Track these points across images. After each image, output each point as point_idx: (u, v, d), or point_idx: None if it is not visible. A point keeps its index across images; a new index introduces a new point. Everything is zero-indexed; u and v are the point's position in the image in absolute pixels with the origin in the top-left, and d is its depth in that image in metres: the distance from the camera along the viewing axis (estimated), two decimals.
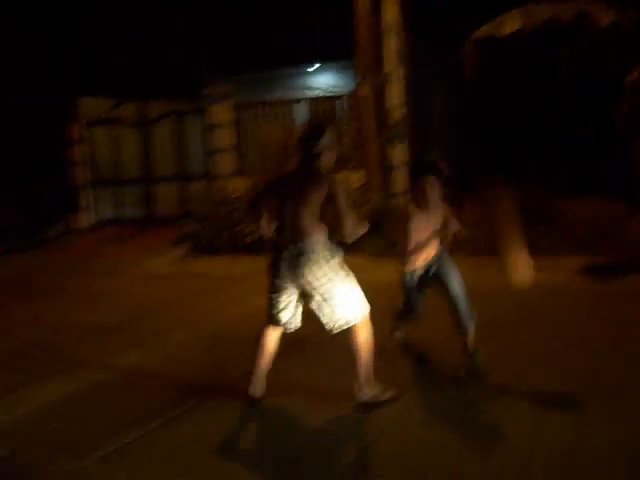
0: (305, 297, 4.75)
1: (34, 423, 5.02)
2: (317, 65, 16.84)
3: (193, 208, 12.89)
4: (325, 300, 4.62)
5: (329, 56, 15.24)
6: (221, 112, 14.22)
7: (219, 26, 14.42)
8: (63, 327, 7.80)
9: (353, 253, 10.81)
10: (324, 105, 13.67)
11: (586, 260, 9.27)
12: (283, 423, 4.77)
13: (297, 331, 5.01)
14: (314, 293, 4.62)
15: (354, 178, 12.14)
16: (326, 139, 4.66)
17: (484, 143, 13.66)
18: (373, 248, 10.73)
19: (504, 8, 10.33)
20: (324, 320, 4.70)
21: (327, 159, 4.68)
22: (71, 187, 16.34)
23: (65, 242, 14.95)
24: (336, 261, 4.65)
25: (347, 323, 4.67)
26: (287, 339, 5.08)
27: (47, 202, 15.44)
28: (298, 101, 14.41)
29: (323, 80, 17.06)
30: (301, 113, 14.08)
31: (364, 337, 4.72)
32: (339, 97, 14.17)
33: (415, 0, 12.47)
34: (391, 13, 12.15)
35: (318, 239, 4.58)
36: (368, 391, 4.77)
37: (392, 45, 12.13)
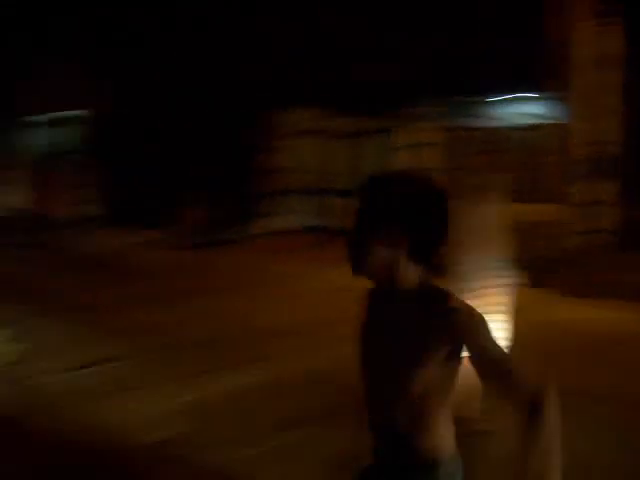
0: None
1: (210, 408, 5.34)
2: (522, 93, 16.55)
3: None
4: None
5: (536, 85, 14.97)
6: (429, 131, 14.33)
7: (425, 46, 14.49)
8: (239, 328, 8.15)
9: (544, 288, 10.60)
10: (528, 135, 13.39)
11: None
12: None
13: None
14: None
15: (553, 211, 11.83)
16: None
17: None
18: (568, 286, 10.36)
19: None
20: None
21: None
22: (273, 192, 16.97)
23: (254, 245, 15.41)
24: None
25: None
26: None
27: (246, 205, 16.26)
28: (502, 129, 14.21)
29: (531, 109, 16.73)
30: (505, 140, 13.87)
31: None
32: (545, 128, 13.80)
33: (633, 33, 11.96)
34: (612, 45, 11.73)
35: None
36: None
37: (611, 78, 11.71)
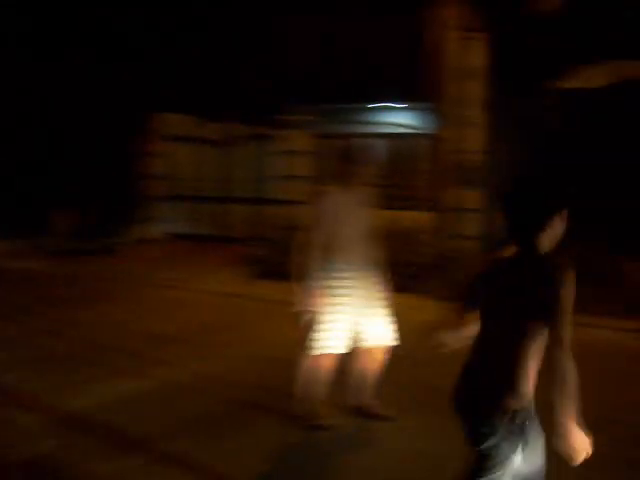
0: None
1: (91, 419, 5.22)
2: (397, 103, 16.99)
3: (264, 231, 13.07)
4: None
5: (411, 95, 15.37)
6: (300, 139, 14.41)
7: (300, 54, 14.61)
8: (122, 335, 8.02)
9: (414, 293, 10.92)
10: (402, 143, 13.71)
11: None
12: None
13: None
14: None
15: (424, 218, 12.16)
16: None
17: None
18: (436, 290, 10.72)
19: (589, 60, 10.22)
20: None
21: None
22: (145, 199, 16.74)
23: (134, 252, 15.27)
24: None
25: None
26: None
27: (121, 211, 15.91)
28: (376, 137, 14.48)
29: (403, 118, 17.17)
30: (378, 149, 14.14)
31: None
32: (417, 137, 14.20)
33: (502, 46, 12.49)
34: (476, 57, 12.21)
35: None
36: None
37: (474, 89, 12.18)
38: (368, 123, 15.52)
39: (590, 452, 2.68)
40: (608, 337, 8.72)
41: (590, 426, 2.74)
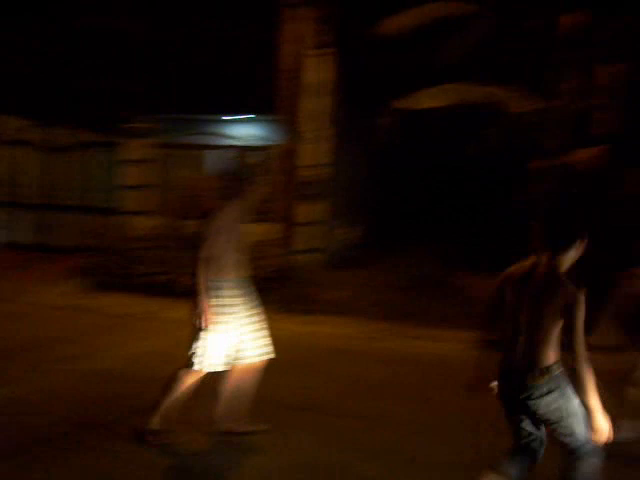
0: None
1: None
2: (238, 115, 17.01)
3: (92, 241, 12.66)
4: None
5: (252, 108, 15.44)
6: (136, 148, 14.10)
7: (141, 63, 14.38)
8: None
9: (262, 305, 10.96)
10: (243, 155, 13.72)
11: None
12: None
13: None
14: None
15: (261, 230, 12.23)
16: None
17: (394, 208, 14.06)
18: (272, 304, 10.83)
19: (426, 83, 10.71)
20: None
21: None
22: None
23: None
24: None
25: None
26: None
27: None
28: (216, 148, 14.43)
29: (245, 131, 17.21)
30: (217, 160, 14.09)
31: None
32: (259, 149, 14.29)
33: (344, 63, 12.83)
34: (316, 73, 12.47)
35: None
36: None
37: (315, 105, 12.42)
38: (216, 134, 15.43)
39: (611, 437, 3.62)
40: (443, 348, 9.15)
41: None
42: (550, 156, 10.81)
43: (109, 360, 7.45)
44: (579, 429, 3.64)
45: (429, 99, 10.44)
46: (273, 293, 11.06)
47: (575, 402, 3.63)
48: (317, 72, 12.39)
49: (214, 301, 4.99)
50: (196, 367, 5.02)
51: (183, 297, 11.20)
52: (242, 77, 13.78)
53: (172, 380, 5.07)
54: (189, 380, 5.08)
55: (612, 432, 3.62)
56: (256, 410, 5.45)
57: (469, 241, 12.35)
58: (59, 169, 15.40)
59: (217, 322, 4.99)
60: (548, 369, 3.60)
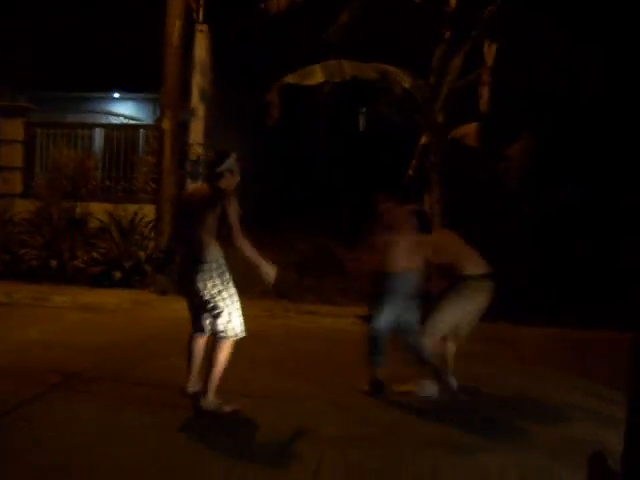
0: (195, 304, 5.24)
1: None
2: (120, 93, 16.56)
3: None
4: (210, 310, 5.12)
5: (133, 86, 15.05)
6: (12, 128, 13.41)
7: (18, 38, 13.78)
8: None
9: (138, 289, 10.72)
10: (125, 133, 13.29)
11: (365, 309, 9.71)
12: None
13: None
14: (203, 302, 5.10)
15: (147, 211, 11.94)
16: (229, 163, 5.26)
17: (277, 187, 14.04)
18: (159, 285, 10.61)
19: (312, 60, 10.62)
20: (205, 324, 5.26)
21: (227, 181, 5.24)
22: None
23: None
24: (227, 276, 5.12)
25: (224, 333, 5.11)
26: None
27: None
28: (97, 126, 13.93)
29: (126, 108, 16.77)
30: (99, 139, 13.62)
31: (227, 354, 5.15)
32: (141, 127, 13.88)
33: (226, 41, 12.61)
34: (201, 51, 12.22)
35: (212, 252, 5.06)
36: (213, 401, 5.18)
37: (198, 82, 12.17)
38: (91, 112, 14.95)
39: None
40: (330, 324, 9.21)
41: None
42: (439, 130, 10.95)
43: None
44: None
45: (319, 75, 10.32)
46: (151, 275, 10.87)
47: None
48: (191, 47, 12.15)
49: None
50: (240, 334, 5.17)
51: (67, 282, 10.95)
52: (126, 53, 13.42)
53: (218, 353, 5.13)
54: (230, 348, 5.18)
55: None
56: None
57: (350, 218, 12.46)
58: None
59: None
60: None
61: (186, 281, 5.20)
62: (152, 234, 11.73)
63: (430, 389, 5.95)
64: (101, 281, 11.00)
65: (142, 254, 11.12)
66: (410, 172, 11.48)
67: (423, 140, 11.36)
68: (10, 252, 11.45)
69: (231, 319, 5.12)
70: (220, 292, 5.07)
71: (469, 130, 11.02)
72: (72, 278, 11.11)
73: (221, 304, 5.08)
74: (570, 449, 4.76)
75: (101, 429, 4.88)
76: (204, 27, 12.40)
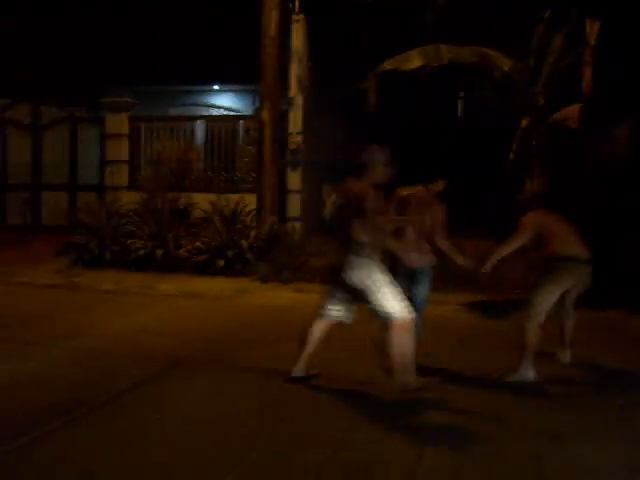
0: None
1: None
2: (219, 85, 16.84)
3: (82, 218, 12.53)
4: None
5: (232, 78, 15.27)
6: (118, 123, 13.88)
7: (123, 35, 14.20)
8: None
9: (240, 276, 10.90)
10: (225, 125, 13.56)
11: (470, 297, 9.59)
12: None
13: None
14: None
15: (248, 200, 12.13)
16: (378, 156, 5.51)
17: None
18: (261, 273, 10.76)
19: (410, 45, 10.54)
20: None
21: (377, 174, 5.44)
22: None
23: None
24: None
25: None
26: None
27: None
28: (199, 119, 14.25)
29: (225, 100, 17.05)
30: (201, 131, 13.94)
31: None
32: (241, 118, 14.12)
33: (322, 30, 12.65)
34: (298, 41, 12.31)
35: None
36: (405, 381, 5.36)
37: (296, 72, 12.28)
38: (191, 105, 15.27)
39: None
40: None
41: None
42: (540, 113, 10.71)
43: (101, 337, 7.31)
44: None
45: (416, 59, 10.25)
46: (255, 263, 11.03)
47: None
48: (298, 37, 12.25)
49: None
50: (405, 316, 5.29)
51: (172, 271, 11.26)
52: (225, 45, 13.62)
53: (394, 336, 5.27)
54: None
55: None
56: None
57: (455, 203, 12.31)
58: (45, 147, 15.17)
59: None
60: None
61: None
62: (254, 223, 11.92)
63: (526, 374, 5.92)
64: (205, 269, 11.24)
65: (244, 243, 11.29)
66: (511, 156, 11.31)
67: (524, 124, 11.14)
68: (118, 242, 11.83)
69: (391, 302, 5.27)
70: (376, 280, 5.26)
71: (571, 112, 10.73)
72: (177, 267, 11.40)
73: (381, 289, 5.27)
74: None
75: (205, 412, 5.02)
76: (300, 17, 12.50)
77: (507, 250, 6.18)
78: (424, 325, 6.18)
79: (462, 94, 10.97)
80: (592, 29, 10.19)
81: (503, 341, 6.80)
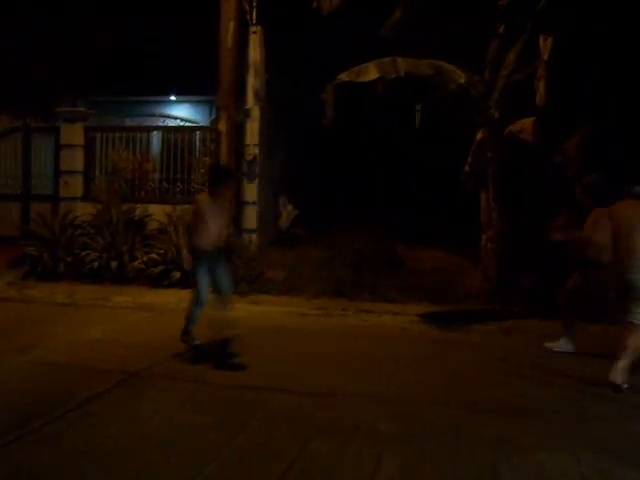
0: None
1: None
2: (176, 96, 16.78)
3: (35, 230, 12.35)
4: None
5: (189, 88, 15.23)
6: (73, 133, 13.71)
7: (79, 45, 14.09)
8: None
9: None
10: (181, 135, 13.47)
11: (425, 308, 9.65)
12: None
13: None
14: None
15: None
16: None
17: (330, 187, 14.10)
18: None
19: (367, 58, 10.59)
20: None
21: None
22: None
23: None
24: None
25: None
26: None
27: None
28: (155, 129, 14.15)
29: (181, 111, 16.96)
30: (157, 142, 13.84)
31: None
32: (197, 129, 14.05)
33: (279, 42, 12.68)
34: (255, 52, 12.32)
35: None
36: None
37: (253, 83, 12.28)
38: (148, 115, 15.14)
39: None
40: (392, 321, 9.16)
41: None
42: (494, 126, 10.83)
43: (54, 350, 7.19)
44: None
45: (373, 72, 10.30)
46: None
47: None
48: (246, 49, 12.28)
49: None
50: None
51: (127, 283, 11.14)
52: (181, 56, 13.61)
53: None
54: None
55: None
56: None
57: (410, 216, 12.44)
58: (0, 156, 14.91)
59: None
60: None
61: None
62: None
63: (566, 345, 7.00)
64: (160, 281, 11.15)
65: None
66: (466, 168, 11.43)
67: (479, 136, 11.27)
68: (72, 254, 11.69)
69: None
70: None
71: (525, 125, 10.89)
72: (132, 279, 11.30)
73: None
74: None
75: (160, 428, 4.96)
76: (258, 28, 12.50)
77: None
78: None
79: (418, 107, 11.04)
80: (545, 44, 10.35)
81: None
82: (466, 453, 4.56)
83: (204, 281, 6.77)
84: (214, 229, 6.76)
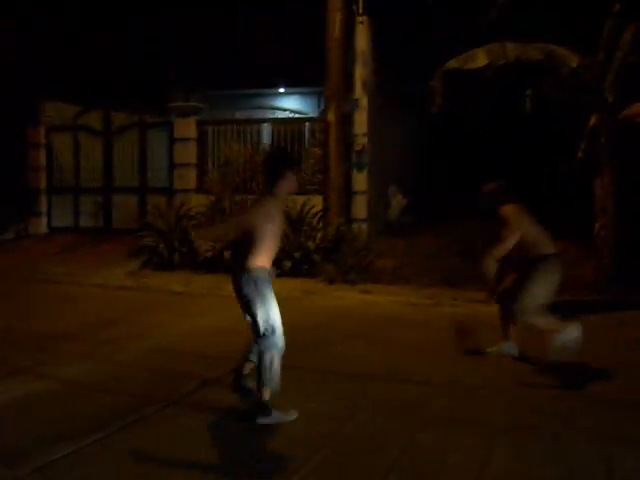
0: None
1: None
2: (285, 88, 16.99)
3: (151, 221, 12.80)
4: None
5: (298, 80, 15.39)
6: (185, 127, 14.14)
7: (189, 41, 14.46)
8: (11, 333, 7.63)
9: (307, 278, 10.96)
10: (291, 127, 13.67)
11: None
12: None
13: None
14: None
15: (315, 201, 12.21)
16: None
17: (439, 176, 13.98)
18: (327, 274, 10.81)
19: (475, 44, 10.45)
20: None
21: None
22: (29, 192, 16.09)
23: (19, 247, 14.71)
24: None
25: None
26: None
27: (5, 205, 15.22)
28: (264, 121, 14.41)
29: (290, 103, 17.19)
30: (267, 133, 14.09)
31: None
32: (306, 120, 14.22)
33: (386, 31, 12.66)
34: (362, 42, 12.35)
35: None
36: None
37: (361, 73, 12.32)
38: (258, 108, 15.44)
39: None
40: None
41: None
42: (609, 110, 10.49)
43: (172, 337, 7.48)
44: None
45: (482, 58, 10.15)
46: (321, 264, 11.08)
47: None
48: (353, 40, 12.31)
49: None
50: None
51: None
52: (290, 48, 13.75)
53: None
54: None
55: None
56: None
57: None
58: (115, 152, 15.54)
59: None
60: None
61: None
62: (320, 224, 11.99)
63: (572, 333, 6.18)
64: None
65: (311, 244, 11.36)
66: (580, 155, 11.11)
67: (592, 121, 10.94)
68: (187, 244, 12.05)
69: None
70: None
71: None
72: None
73: None
74: None
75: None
76: (364, 19, 12.53)
77: None
78: None
79: (529, 92, 10.80)
80: None
81: None
82: (581, 445, 4.48)
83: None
84: (276, 242, 5.20)
